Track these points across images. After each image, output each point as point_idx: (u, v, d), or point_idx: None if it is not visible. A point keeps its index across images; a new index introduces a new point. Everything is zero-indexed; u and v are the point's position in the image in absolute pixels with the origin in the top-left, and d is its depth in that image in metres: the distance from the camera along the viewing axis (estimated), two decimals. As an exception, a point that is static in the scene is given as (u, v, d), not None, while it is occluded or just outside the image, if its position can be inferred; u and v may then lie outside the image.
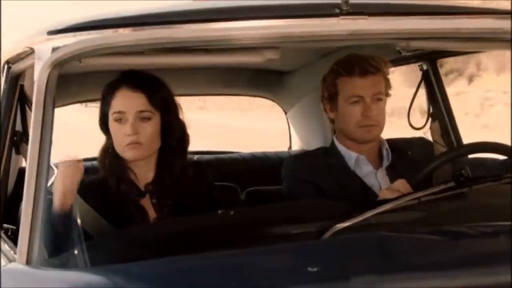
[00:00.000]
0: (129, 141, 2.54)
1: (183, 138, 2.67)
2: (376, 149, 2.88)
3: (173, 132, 2.63)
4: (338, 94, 2.84)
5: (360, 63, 2.79)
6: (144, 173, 2.63)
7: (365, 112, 2.79)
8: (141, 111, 2.56)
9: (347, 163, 2.83)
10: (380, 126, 2.83)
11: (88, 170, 2.61)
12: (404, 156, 2.89)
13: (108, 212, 2.31)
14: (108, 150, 2.62)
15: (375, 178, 2.82)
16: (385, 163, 2.86)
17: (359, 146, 2.84)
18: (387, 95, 2.86)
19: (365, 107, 2.79)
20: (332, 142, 2.92)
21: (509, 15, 2.31)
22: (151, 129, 2.57)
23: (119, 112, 2.56)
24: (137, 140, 2.54)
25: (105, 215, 2.43)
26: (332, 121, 2.95)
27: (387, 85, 2.85)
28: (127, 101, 2.57)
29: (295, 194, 2.76)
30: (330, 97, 2.87)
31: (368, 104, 2.79)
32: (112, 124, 2.58)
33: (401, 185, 2.52)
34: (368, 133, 2.81)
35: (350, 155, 2.84)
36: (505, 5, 2.67)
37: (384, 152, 2.87)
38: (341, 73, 2.82)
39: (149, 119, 2.57)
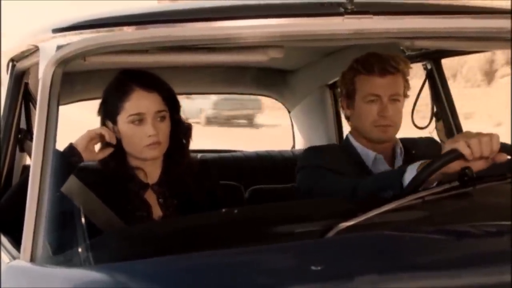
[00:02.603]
0: (150, 141, 2.56)
1: (188, 136, 2.69)
2: (391, 149, 2.88)
3: (180, 130, 2.66)
4: (356, 92, 2.83)
5: (380, 62, 2.78)
6: (150, 173, 2.64)
7: (381, 112, 2.78)
8: (159, 111, 2.58)
9: (364, 161, 2.83)
10: (396, 126, 2.83)
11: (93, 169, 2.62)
12: (413, 156, 2.88)
13: (115, 211, 2.31)
14: (116, 152, 2.61)
15: None
16: (398, 162, 2.85)
17: (374, 145, 2.84)
18: (406, 96, 2.86)
19: (382, 107, 2.78)
20: (347, 139, 2.91)
21: (510, 15, 2.31)
22: (167, 128, 2.60)
23: (138, 114, 2.55)
24: (157, 140, 2.57)
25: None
26: (348, 118, 2.94)
27: (406, 86, 2.84)
28: (145, 102, 2.56)
29: (316, 181, 2.70)
30: (348, 95, 2.87)
31: (385, 104, 2.78)
32: (127, 127, 2.57)
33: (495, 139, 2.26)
34: (384, 133, 2.81)
35: (367, 153, 2.84)
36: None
37: (398, 151, 2.87)
38: (360, 71, 2.82)
39: (164, 118, 2.59)
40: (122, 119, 2.57)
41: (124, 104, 2.57)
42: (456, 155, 2.23)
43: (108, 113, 2.60)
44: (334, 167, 2.72)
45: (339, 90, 2.94)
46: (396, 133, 2.86)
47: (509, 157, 2.30)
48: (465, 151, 2.23)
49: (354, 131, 2.91)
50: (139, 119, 2.56)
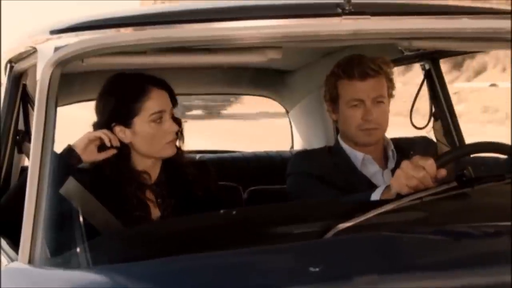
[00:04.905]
0: (173, 137, 2.61)
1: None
2: (381, 150, 2.88)
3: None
4: (339, 97, 2.83)
5: (360, 66, 2.77)
6: (151, 173, 2.64)
7: (365, 116, 2.77)
8: (171, 108, 2.63)
9: (353, 163, 2.83)
10: (381, 129, 2.82)
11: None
12: (408, 156, 2.88)
13: (113, 212, 2.31)
14: (119, 155, 2.61)
15: (382, 178, 2.81)
16: (391, 164, 2.84)
17: (363, 147, 2.84)
18: (390, 96, 2.85)
19: (365, 110, 2.78)
20: (337, 142, 2.91)
21: (509, 15, 2.31)
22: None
23: (160, 111, 2.58)
24: (176, 136, 2.63)
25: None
26: (335, 122, 2.95)
27: (390, 86, 2.84)
28: (164, 100, 2.61)
29: (302, 190, 2.73)
30: (332, 99, 2.87)
31: (369, 107, 2.77)
32: (148, 126, 2.58)
33: (429, 163, 2.28)
34: (369, 136, 2.80)
35: (356, 155, 2.84)
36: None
37: (390, 153, 2.86)
38: (341, 76, 2.81)
39: (172, 114, 2.64)
40: (142, 120, 2.58)
41: (143, 104, 2.57)
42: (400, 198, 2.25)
43: (119, 117, 2.59)
44: (322, 173, 2.74)
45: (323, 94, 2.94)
46: (382, 135, 2.85)
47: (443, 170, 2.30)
48: (404, 190, 2.26)
49: (342, 134, 2.91)
50: (160, 117, 2.58)
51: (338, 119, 2.88)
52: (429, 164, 2.26)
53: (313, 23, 2.19)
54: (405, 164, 2.30)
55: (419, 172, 2.25)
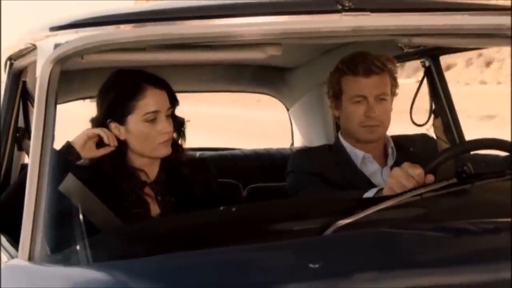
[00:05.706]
0: (166, 138, 2.58)
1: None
2: (381, 147, 2.88)
3: (176, 125, 2.66)
4: (342, 93, 2.83)
5: (364, 63, 2.78)
6: (149, 171, 2.64)
7: (367, 112, 2.78)
8: (169, 108, 2.60)
9: (353, 161, 2.83)
10: (383, 126, 2.82)
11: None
12: (408, 153, 2.88)
13: (113, 209, 2.31)
14: (116, 152, 2.60)
15: (381, 176, 2.81)
16: (390, 162, 2.85)
17: (363, 144, 2.84)
18: (394, 94, 2.85)
19: (368, 107, 2.78)
20: (337, 139, 2.91)
21: (510, 12, 2.31)
22: (172, 124, 2.62)
23: (154, 111, 2.56)
24: (171, 136, 2.61)
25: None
26: (337, 118, 2.95)
27: (394, 84, 2.84)
28: (160, 100, 2.58)
29: (302, 187, 2.74)
30: (335, 95, 2.87)
31: (372, 104, 2.78)
32: (142, 126, 2.57)
33: (418, 173, 2.34)
34: (371, 133, 2.81)
35: (356, 153, 2.84)
36: None
37: (390, 150, 2.87)
38: (345, 72, 2.82)
39: (170, 115, 2.62)
40: (136, 118, 2.57)
41: (138, 103, 2.56)
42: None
43: (115, 113, 2.58)
44: (322, 172, 2.75)
45: (326, 90, 2.94)
46: (384, 132, 2.86)
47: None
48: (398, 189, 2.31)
49: (343, 131, 2.91)
50: (154, 117, 2.56)
51: (340, 116, 2.88)
52: (418, 174, 2.32)
53: (312, 20, 2.19)
54: (396, 171, 2.36)
55: (409, 181, 2.31)
